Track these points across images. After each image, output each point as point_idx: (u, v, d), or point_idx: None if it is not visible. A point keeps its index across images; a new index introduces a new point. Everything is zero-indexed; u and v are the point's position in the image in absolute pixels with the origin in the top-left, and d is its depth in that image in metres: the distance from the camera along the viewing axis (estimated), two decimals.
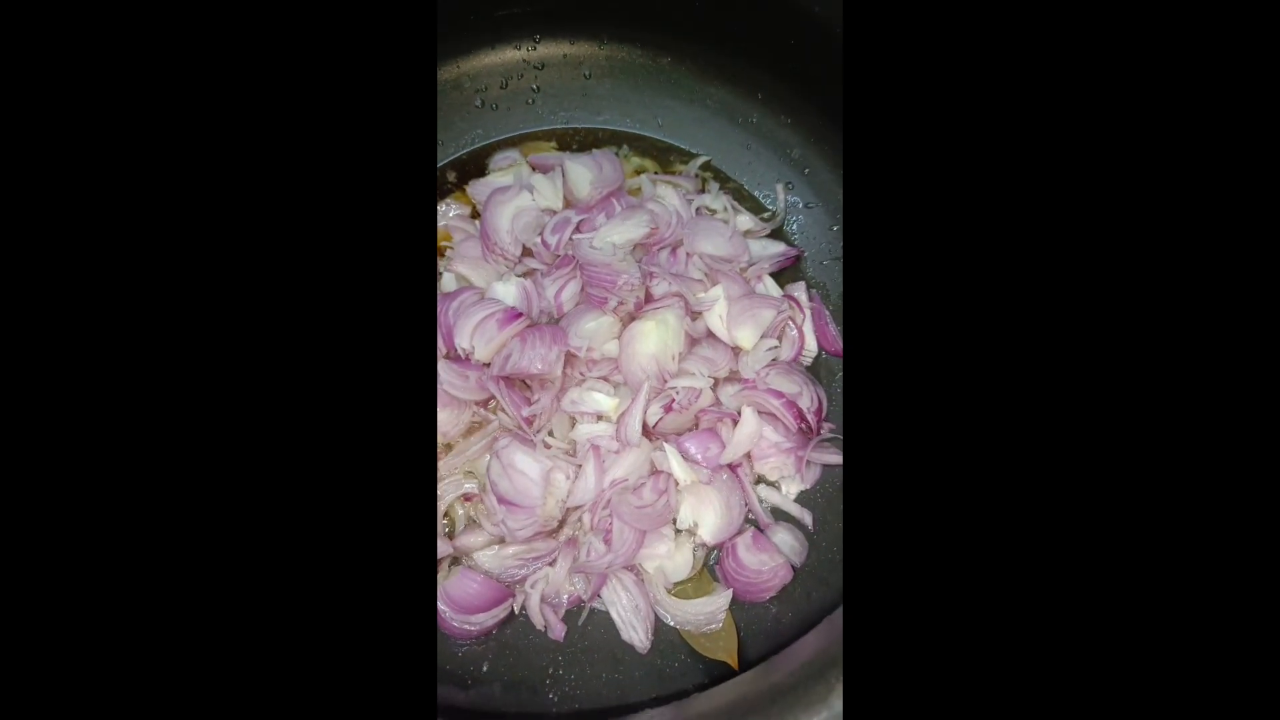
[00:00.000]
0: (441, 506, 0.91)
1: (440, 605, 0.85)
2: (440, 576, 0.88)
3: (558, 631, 0.87)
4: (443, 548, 0.88)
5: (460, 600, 0.85)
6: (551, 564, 0.89)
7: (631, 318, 0.95)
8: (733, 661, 0.82)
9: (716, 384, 0.95)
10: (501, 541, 0.89)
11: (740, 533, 0.90)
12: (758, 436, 0.92)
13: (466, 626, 0.85)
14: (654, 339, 0.92)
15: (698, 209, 1.06)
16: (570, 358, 0.92)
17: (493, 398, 0.92)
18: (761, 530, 0.91)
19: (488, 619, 0.86)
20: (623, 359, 0.92)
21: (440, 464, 0.92)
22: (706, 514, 0.90)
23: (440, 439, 0.93)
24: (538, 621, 0.87)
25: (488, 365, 0.92)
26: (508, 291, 0.96)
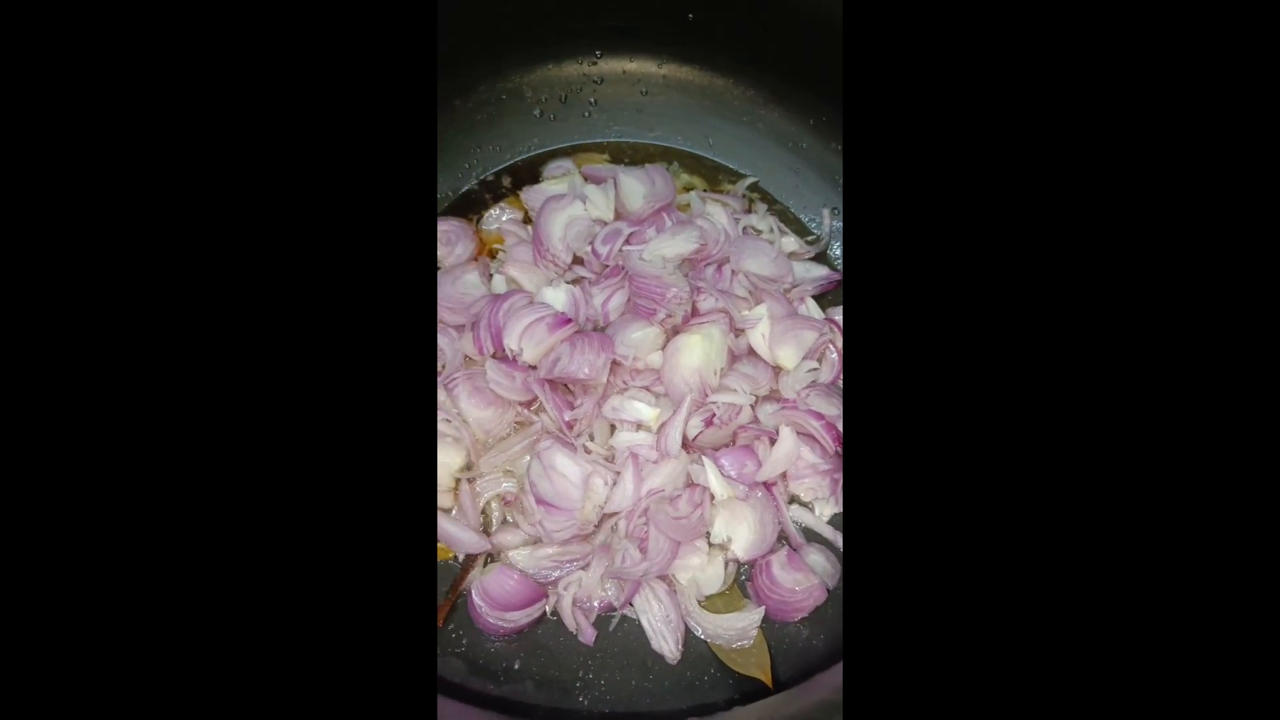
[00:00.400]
0: (480, 503, 0.93)
1: (476, 600, 0.86)
2: (477, 572, 0.89)
3: (588, 635, 0.87)
4: (480, 544, 0.89)
5: (497, 596, 0.86)
6: (585, 568, 0.89)
7: (676, 330, 0.96)
8: (766, 679, 0.82)
9: (756, 402, 0.96)
10: (537, 542, 0.90)
11: (774, 551, 0.91)
12: (795, 456, 0.93)
13: (500, 623, 0.86)
14: (698, 353, 0.93)
15: (744, 228, 1.08)
16: (615, 365, 0.93)
17: (536, 399, 0.93)
18: (795, 550, 0.92)
19: (521, 617, 0.87)
20: (666, 370, 0.94)
21: (481, 461, 0.94)
22: (740, 529, 0.91)
23: (483, 436, 0.94)
24: (570, 624, 0.88)
25: (533, 367, 0.93)
26: (557, 297, 0.98)
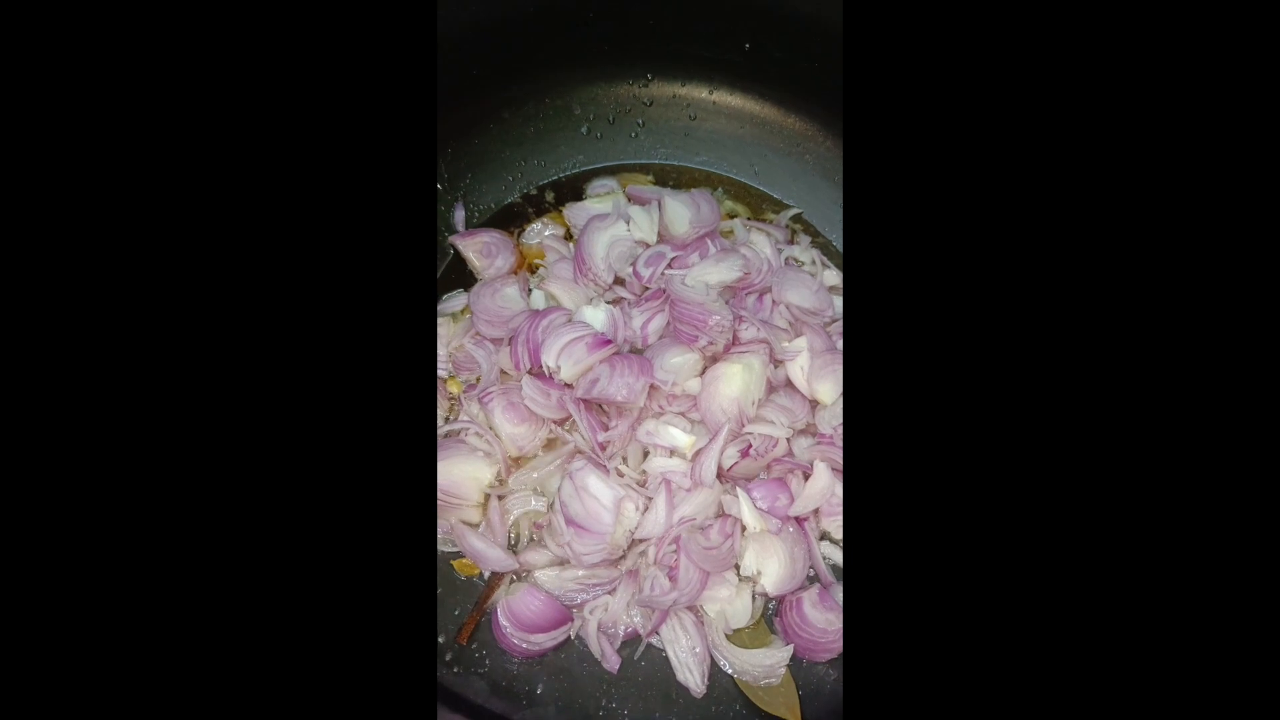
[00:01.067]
0: (508, 520, 0.92)
1: (501, 619, 0.85)
2: (503, 591, 0.88)
3: (613, 662, 0.86)
4: (507, 562, 0.88)
5: (522, 617, 0.85)
6: (611, 593, 0.88)
7: (715, 358, 0.96)
8: (795, 718, 0.81)
9: (791, 435, 0.95)
10: (564, 563, 0.89)
11: (804, 588, 0.89)
12: (829, 493, 0.92)
13: (525, 645, 0.85)
14: (738, 382, 0.92)
15: (786, 259, 1.07)
16: (652, 389, 0.93)
17: (569, 417, 0.92)
18: (825, 587, 0.91)
19: (546, 640, 0.85)
20: (703, 398, 0.93)
21: (511, 478, 0.93)
22: (770, 563, 0.90)
23: (515, 452, 0.93)
24: (595, 649, 0.86)
25: (569, 386, 0.92)
26: (597, 317, 0.97)
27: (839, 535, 0.94)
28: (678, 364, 0.93)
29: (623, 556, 0.90)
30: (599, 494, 0.88)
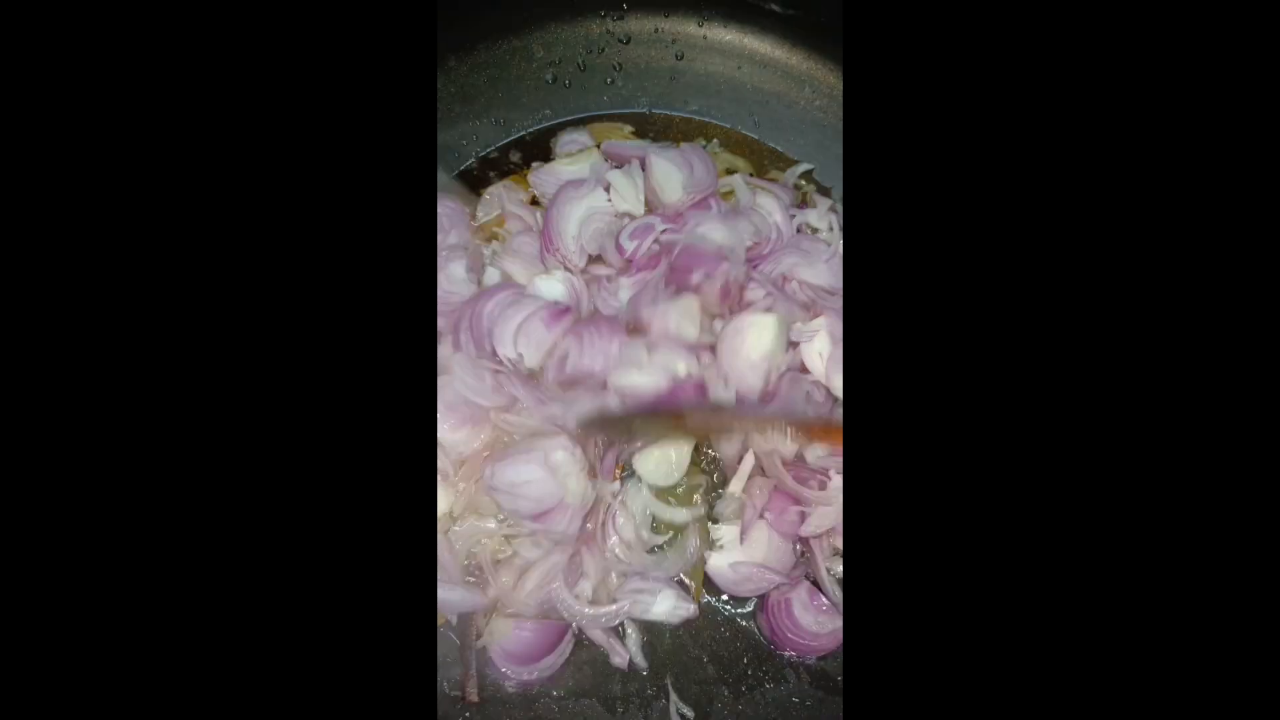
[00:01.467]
0: (462, 553, 0.76)
1: (502, 666, 0.76)
2: (486, 629, 0.76)
3: (622, 657, 0.77)
4: (472, 599, 0.75)
5: (520, 654, 0.76)
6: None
7: (713, 316, 0.81)
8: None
9: (804, 444, 0.79)
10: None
11: (794, 586, 0.78)
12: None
13: (535, 675, 0.77)
14: (769, 336, 0.78)
15: (799, 226, 0.89)
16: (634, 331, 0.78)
17: (514, 400, 0.77)
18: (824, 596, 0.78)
19: (553, 659, 0.77)
20: (725, 353, 0.78)
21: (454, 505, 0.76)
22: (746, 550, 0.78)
23: (459, 459, 0.78)
24: (601, 642, 0.78)
25: (534, 376, 0.76)
26: (552, 287, 0.81)
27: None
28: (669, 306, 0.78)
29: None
30: (529, 476, 0.74)
